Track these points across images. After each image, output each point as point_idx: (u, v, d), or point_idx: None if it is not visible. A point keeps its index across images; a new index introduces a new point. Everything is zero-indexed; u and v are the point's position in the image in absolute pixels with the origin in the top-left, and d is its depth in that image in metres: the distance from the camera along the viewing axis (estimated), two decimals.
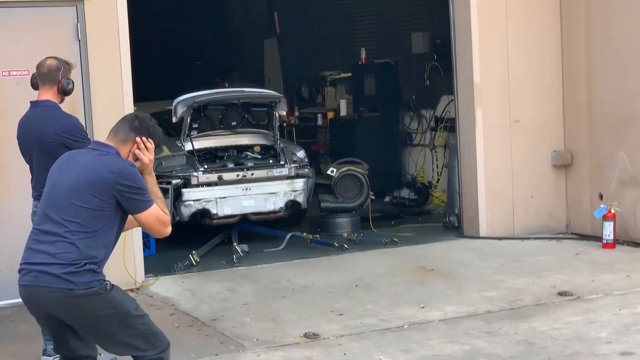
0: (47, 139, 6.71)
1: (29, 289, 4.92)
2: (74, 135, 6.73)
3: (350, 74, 15.44)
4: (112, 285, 4.97)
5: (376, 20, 15.47)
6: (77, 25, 8.99)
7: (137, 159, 5.08)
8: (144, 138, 5.09)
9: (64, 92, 6.93)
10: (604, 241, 10.22)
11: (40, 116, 6.86)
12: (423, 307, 8.09)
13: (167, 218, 5.09)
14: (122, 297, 5.02)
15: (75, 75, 8.63)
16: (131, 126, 5.09)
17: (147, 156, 5.09)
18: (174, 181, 4.99)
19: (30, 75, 7.16)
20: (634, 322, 7.39)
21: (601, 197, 10.76)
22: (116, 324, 4.95)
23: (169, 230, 5.13)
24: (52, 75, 6.90)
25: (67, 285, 4.80)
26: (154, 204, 5.00)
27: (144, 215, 4.97)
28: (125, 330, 4.98)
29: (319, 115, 15.93)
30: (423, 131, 14.18)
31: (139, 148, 5.07)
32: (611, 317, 7.56)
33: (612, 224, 10.16)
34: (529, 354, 6.76)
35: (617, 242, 10.24)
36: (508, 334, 7.27)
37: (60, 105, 6.95)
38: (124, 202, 4.93)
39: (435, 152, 13.79)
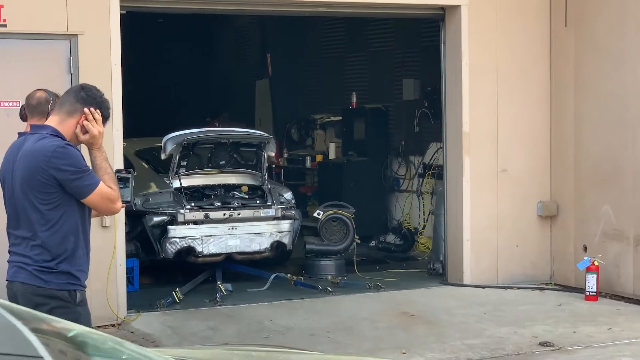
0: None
1: (9, 283, 4.89)
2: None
3: (340, 118, 15.52)
4: (83, 298, 4.80)
5: (368, 66, 15.58)
6: (70, 58, 9.04)
7: (86, 131, 4.84)
8: (91, 109, 4.84)
9: None
10: (587, 293, 10.25)
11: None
12: (404, 353, 8.09)
13: (114, 194, 4.85)
14: (86, 320, 4.83)
15: None
16: (77, 97, 4.88)
17: (97, 128, 4.83)
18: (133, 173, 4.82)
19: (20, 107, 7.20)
20: None
21: (585, 249, 10.80)
22: None
23: (118, 206, 4.92)
24: (41, 108, 6.90)
25: (38, 282, 4.71)
26: (99, 183, 4.78)
27: (89, 199, 4.76)
28: None
29: (308, 158, 15.98)
30: (411, 177, 14.23)
31: (87, 119, 4.83)
32: None
33: (595, 276, 10.20)
34: None
35: (600, 294, 10.27)
36: None
37: None
38: (66, 187, 4.72)
39: (422, 198, 13.83)
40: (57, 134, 4.83)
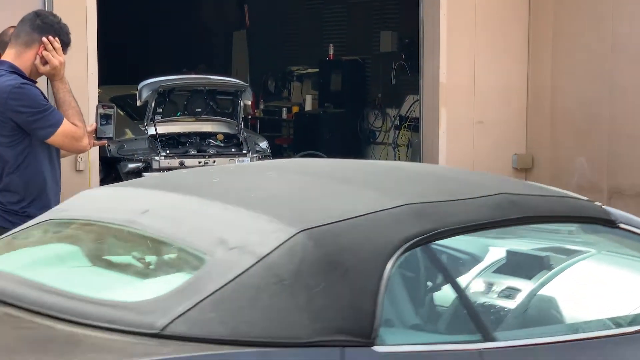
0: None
1: None
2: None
3: (317, 70, 15.46)
4: None
5: (345, 18, 15.50)
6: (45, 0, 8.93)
7: (46, 62, 4.58)
8: (50, 37, 4.57)
9: None
10: None
11: None
12: None
13: (79, 131, 4.56)
14: None
15: None
16: (33, 26, 4.60)
17: (57, 58, 4.56)
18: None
19: None
20: None
21: None
22: None
23: (84, 143, 4.65)
24: None
25: (5, 224, 4.51)
26: (62, 122, 4.51)
27: (52, 139, 4.50)
28: None
29: (284, 109, 15.93)
30: (387, 129, 14.22)
31: (46, 49, 4.57)
32: None
33: None
34: None
35: None
36: None
37: None
38: (26, 129, 4.47)
39: (398, 150, 13.83)
40: (14, 70, 4.56)
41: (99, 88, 9.48)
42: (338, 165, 4.20)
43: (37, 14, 4.68)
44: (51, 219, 3.66)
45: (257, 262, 2.88)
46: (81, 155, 9.05)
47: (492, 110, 11.25)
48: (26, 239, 3.65)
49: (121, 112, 12.07)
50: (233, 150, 11.58)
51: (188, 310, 2.76)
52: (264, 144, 11.93)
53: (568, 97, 10.82)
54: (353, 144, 14.45)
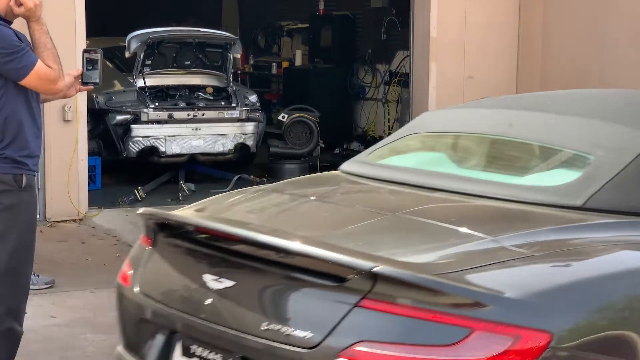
0: None
1: None
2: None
3: (307, 25, 15.38)
4: (30, 184, 4.49)
5: None
6: None
7: (20, 4, 4.43)
8: None
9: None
10: None
11: None
12: None
13: (53, 73, 4.44)
14: (28, 206, 4.52)
15: None
16: None
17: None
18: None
19: None
20: None
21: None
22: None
23: (59, 86, 4.52)
24: None
25: None
26: (36, 63, 4.39)
27: (26, 81, 4.39)
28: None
29: (274, 65, 15.87)
30: (377, 85, 14.17)
31: None
32: None
33: None
34: None
35: None
36: None
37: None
38: (0, 71, 4.37)
39: (388, 106, 13.79)
40: None
41: (87, 39, 9.41)
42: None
43: None
44: (413, 133, 4.69)
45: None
46: (69, 105, 9.03)
47: (482, 66, 11.22)
48: (409, 144, 4.66)
49: (110, 64, 12.01)
50: (222, 103, 11.55)
51: (597, 191, 3.63)
52: (253, 98, 11.89)
53: (559, 55, 10.80)
54: (343, 99, 14.42)
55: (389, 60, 13.79)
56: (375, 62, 14.20)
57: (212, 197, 4.44)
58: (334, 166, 13.03)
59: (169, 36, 11.56)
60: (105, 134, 11.14)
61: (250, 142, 11.41)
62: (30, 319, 5.60)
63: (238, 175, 11.14)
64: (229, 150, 11.32)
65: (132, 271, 3.82)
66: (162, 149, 11.01)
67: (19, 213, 4.46)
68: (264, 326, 3.17)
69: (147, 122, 11.03)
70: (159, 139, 11.02)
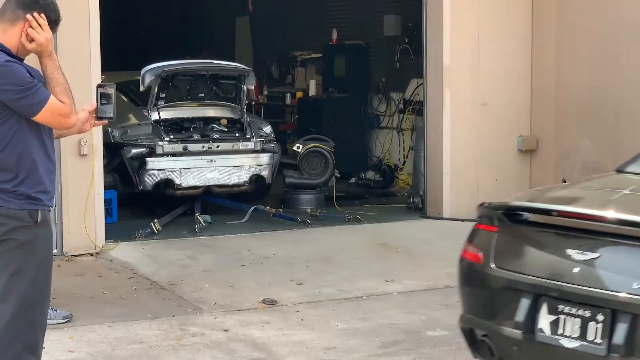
0: None
1: None
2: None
3: (320, 55, 15.42)
4: (45, 219, 4.48)
5: (349, 2, 15.45)
6: None
7: (32, 39, 4.44)
8: (35, 14, 4.43)
9: None
10: None
11: None
12: (392, 280, 8.09)
13: (66, 108, 4.45)
14: (44, 241, 4.52)
15: None
16: (18, 2, 4.46)
17: (43, 34, 4.42)
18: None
19: None
20: None
21: (564, 182, 10.81)
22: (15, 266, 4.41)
23: (72, 121, 4.53)
24: None
25: (1, 203, 4.42)
26: (49, 99, 4.40)
27: (39, 117, 4.41)
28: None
29: (288, 95, 15.91)
30: (391, 114, 14.19)
31: (31, 26, 4.42)
32: None
33: None
34: None
35: None
36: None
37: None
38: (12, 107, 4.38)
39: (402, 135, 13.81)
40: (0, 48, 4.45)
41: (102, 74, 9.46)
42: None
43: None
44: None
45: None
46: (84, 140, 9.06)
47: (496, 92, 11.22)
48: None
49: (124, 98, 12.06)
50: (237, 135, 11.57)
51: None
52: (267, 129, 11.91)
53: (572, 78, 10.78)
54: (357, 128, 14.43)
55: (403, 89, 13.81)
56: (389, 90, 14.22)
57: (534, 190, 5.78)
58: (350, 195, 13.10)
59: (183, 69, 11.60)
60: (121, 168, 11.17)
61: (265, 173, 11.42)
62: (48, 354, 5.61)
63: (254, 207, 11.14)
64: (244, 181, 11.33)
65: (483, 252, 4.84)
66: (177, 181, 11.03)
67: (35, 249, 4.46)
68: (635, 285, 4.12)
69: (162, 155, 11.05)
70: (174, 171, 11.04)
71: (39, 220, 4.48)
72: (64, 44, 8.98)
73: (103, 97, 4.94)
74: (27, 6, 4.45)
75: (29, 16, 4.44)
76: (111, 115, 4.96)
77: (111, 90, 4.97)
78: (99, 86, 4.90)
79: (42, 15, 4.46)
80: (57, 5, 4.63)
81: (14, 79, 4.34)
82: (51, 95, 4.42)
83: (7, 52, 4.47)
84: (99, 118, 4.90)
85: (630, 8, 10.04)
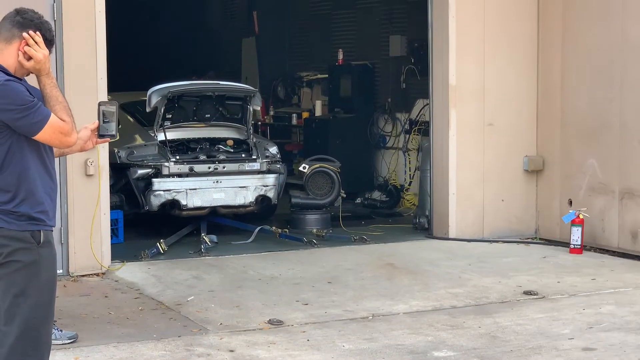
0: None
1: None
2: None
3: (326, 75, 15.45)
4: (48, 240, 4.48)
5: (354, 22, 15.50)
6: (54, 5, 8.94)
7: (30, 57, 4.46)
8: (31, 32, 4.45)
9: None
10: (572, 246, 10.27)
11: None
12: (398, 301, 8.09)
13: (67, 127, 4.44)
14: (48, 262, 4.51)
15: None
16: (13, 22, 4.49)
17: (40, 51, 4.44)
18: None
19: None
20: (597, 321, 7.42)
21: (570, 203, 10.81)
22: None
23: (73, 139, 4.51)
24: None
25: (2, 224, 4.42)
26: (49, 117, 4.40)
27: (40, 136, 4.39)
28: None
29: (294, 115, 15.94)
30: (397, 134, 14.20)
31: (28, 44, 4.44)
32: (575, 316, 7.59)
33: (580, 229, 10.21)
34: (492, 346, 6.77)
35: (584, 247, 10.29)
36: (472, 327, 7.28)
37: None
38: (13, 127, 4.37)
39: (409, 155, 13.81)
40: None
41: (108, 95, 9.48)
42: None
43: (17, 12, 4.55)
44: None
45: None
46: (91, 160, 9.08)
47: (502, 112, 11.22)
48: None
49: (131, 119, 12.11)
50: (243, 155, 11.58)
51: None
52: (273, 149, 11.93)
53: (578, 99, 10.78)
54: (363, 149, 14.44)
55: (409, 109, 13.83)
56: (395, 111, 14.24)
57: None
58: (355, 216, 13.12)
59: (189, 90, 11.63)
60: (127, 188, 11.19)
61: (271, 194, 11.43)
62: None
63: (260, 227, 11.15)
64: (250, 202, 11.34)
65: None
66: (183, 202, 11.04)
67: (39, 269, 4.46)
68: None
69: (168, 176, 11.07)
70: (180, 192, 11.05)
71: (41, 241, 4.47)
72: (71, 64, 9.02)
73: (105, 115, 4.92)
74: (23, 25, 4.47)
75: (25, 34, 4.45)
76: (113, 133, 4.94)
77: (113, 108, 4.96)
78: (100, 104, 4.89)
79: (38, 33, 4.47)
80: (52, 25, 4.65)
81: (15, 98, 4.34)
82: (51, 113, 4.42)
83: (6, 72, 4.48)
84: (100, 136, 4.89)
85: (636, 28, 10.05)
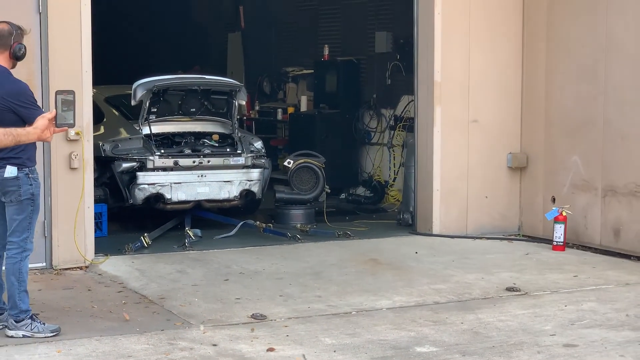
0: None
1: None
2: (20, 100, 6.57)
3: (312, 71, 15.46)
4: None
5: (340, 18, 15.51)
6: None
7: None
8: None
9: (16, 57, 6.81)
10: (555, 243, 10.32)
11: None
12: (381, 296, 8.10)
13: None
14: None
15: (33, 47, 8.63)
16: None
17: None
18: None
19: None
20: (579, 318, 7.45)
21: (554, 200, 10.86)
22: None
23: None
24: (4, 40, 6.79)
25: None
26: None
27: None
28: None
29: (279, 111, 15.94)
30: (382, 130, 14.22)
31: None
32: (556, 312, 7.62)
33: (563, 226, 10.25)
34: (474, 342, 6.80)
35: (567, 245, 10.33)
36: (454, 323, 7.30)
37: (12, 70, 6.85)
38: None
39: (393, 151, 13.84)
40: None
41: (93, 88, 9.47)
42: None
43: None
44: None
45: None
46: (75, 153, 9.07)
47: (486, 109, 11.26)
48: None
49: (115, 112, 12.08)
50: (227, 150, 11.58)
51: None
52: (258, 144, 11.93)
53: (562, 96, 10.83)
54: (348, 144, 14.46)
55: (394, 105, 13.85)
56: (380, 106, 14.26)
57: None
58: (340, 211, 13.14)
59: (175, 84, 11.60)
60: (111, 182, 11.18)
61: (255, 188, 11.44)
62: None
63: (243, 221, 11.16)
64: (235, 196, 11.34)
65: None
66: (167, 196, 11.04)
67: None
68: None
69: (152, 170, 11.06)
70: (164, 186, 11.04)
71: None
72: (56, 57, 8.99)
73: (64, 104, 4.90)
74: None
75: None
76: (71, 122, 4.93)
77: (71, 97, 4.94)
78: (58, 92, 4.87)
79: None
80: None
81: None
82: None
83: None
84: (59, 125, 4.87)
85: (619, 26, 10.09)
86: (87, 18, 9.20)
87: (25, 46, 6.85)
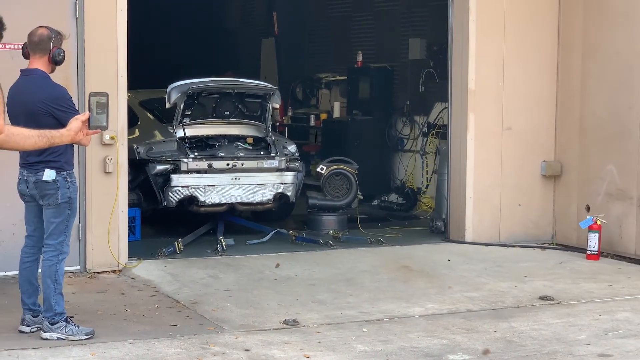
0: (34, 106, 6.67)
1: None
2: (59, 105, 6.66)
3: (345, 77, 15.45)
4: None
5: (374, 25, 15.50)
6: (76, 2, 8.98)
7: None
8: None
9: (55, 62, 6.88)
10: (589, 252, 10.25)
11: (29, 84, 6.82)
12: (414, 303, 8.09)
13: None
14: None
15: (70, 52, 8.69)
16: None
17: None
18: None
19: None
20: (614, 328, 7.40)
21: (588, 208, 10.79)
22: None
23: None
24: (43, 45, 6.85)
25: None
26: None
27: None
28: None
29: (312, 117, 15.93)
30: (415, 137, 14.19)
31: None
32: (591, 322, 7.57)
33: (597, 235, 10.18)
34: (507, 350, 6.77)
35: (601, 254, 10.26)
36: (487, 331, 7.27)
37: (50, 75, 6.91)
38: None
39: (426, 158, 13.80)
40: None
41: (128, 92, 9.52)
42: None
43: None
44: None
45: None
46: (110, 157, 9.12)
47: (520, 117, 11.21)
48: None
49: (150, 115, 12.14)
50: (261, 153, 11.59)
51: None
52: (292, 148, 11.92)
53: (597, 104, 10.76)
54: (381, 151, 14.44)
55: (427, 112, 13.82)
56: (414, 113, 14.23)
57: None
58: (372, 218, 13.14)
59: (209, 87, 11.64)
60: (145, 184, 11.22)
61: (289, 191, 11.45)
62: None
63: (276, 230, 11.17)
64: (268, 199, 11.35)
65: None
66: (201, 198, 11.07)
67: None
68: None
69: (186, 172, 11.09)
70: (198, 188, 11.08)
71: None
72: (91, 62, 9.05)
73: (98, 106, 4.91)
74: None
75: None
76: (104, 124, 4.94)
77: (105, 99, 4.95)
78: (91, 94, 4.88)
79: None
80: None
81: None
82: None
83: None
84: (92, 127, 4.89)
85: None
86: (122, 23, 9.25)
87: (64, 51, 6.91)
